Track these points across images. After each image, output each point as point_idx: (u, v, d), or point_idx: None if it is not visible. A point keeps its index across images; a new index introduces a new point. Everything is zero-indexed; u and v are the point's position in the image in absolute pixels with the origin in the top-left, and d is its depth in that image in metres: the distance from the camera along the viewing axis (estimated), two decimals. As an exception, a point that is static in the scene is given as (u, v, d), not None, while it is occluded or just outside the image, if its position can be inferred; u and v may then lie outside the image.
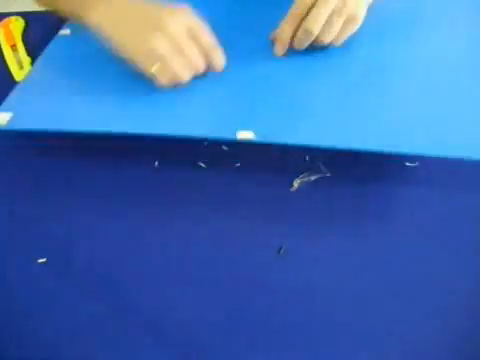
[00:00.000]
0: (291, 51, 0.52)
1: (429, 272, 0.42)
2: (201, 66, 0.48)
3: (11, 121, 0.48)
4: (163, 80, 0.46)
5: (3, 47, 0.61)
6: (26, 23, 0.64)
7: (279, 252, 0.44)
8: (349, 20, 0.49)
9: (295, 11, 0.49)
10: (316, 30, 0.48)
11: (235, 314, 0.41)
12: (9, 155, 0.54)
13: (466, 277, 0.42)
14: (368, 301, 0.41)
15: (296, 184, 0.46)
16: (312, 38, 0.49)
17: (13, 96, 0.51)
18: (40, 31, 0.63)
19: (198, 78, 0.49)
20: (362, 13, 0.49)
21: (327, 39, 0.49)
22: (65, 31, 0.59)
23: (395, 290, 0.42)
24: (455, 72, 0.50)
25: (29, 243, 0.46)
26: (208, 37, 0.47)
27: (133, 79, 0.50)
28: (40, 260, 0.45)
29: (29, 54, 0.60)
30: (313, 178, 0.48)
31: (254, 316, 0.41)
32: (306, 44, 0.51)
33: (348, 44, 0.52)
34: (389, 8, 0.57)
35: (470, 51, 0.52)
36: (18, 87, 0.52)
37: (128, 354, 0.40)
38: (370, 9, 0.51)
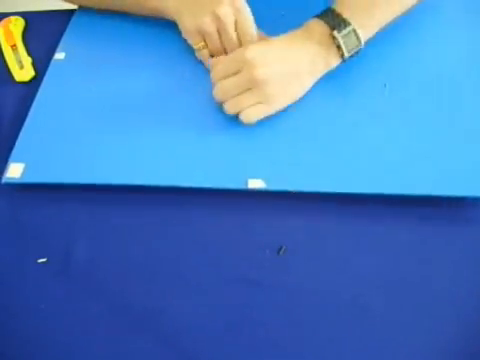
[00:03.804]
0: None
1: (433, 275, 0.42)
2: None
3: (25, 173, 0.48)
4: (203, 57, 0.54)
5: (3, 47, 0.61)
6: (26, 23, 0.64)
7: (279, 252, 0.44)
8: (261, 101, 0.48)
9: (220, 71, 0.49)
10: (221, 100, 0.49)
11: (235, 314, 0.42)
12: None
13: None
14: (369, 302, 0.41)
15: (296, 184, 0.46)
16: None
17: (22, 142, 0.51)
18: (40, 31, 0.63)
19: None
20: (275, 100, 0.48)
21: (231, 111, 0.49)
22: (60, 55, 0.58)
23: (396, 290, 0.42)
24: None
25: (29, 243, 0.47)
26: (248, 24, 0.50)
27: (133, 122, 0.51)
28: (40, 260, 0.45)
29: (29, 54, 0.60)
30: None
31: (254, 316, 0.41)
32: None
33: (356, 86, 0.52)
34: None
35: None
36: (24, 130, 0.51)
37: (127, 354, 0.40)
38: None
